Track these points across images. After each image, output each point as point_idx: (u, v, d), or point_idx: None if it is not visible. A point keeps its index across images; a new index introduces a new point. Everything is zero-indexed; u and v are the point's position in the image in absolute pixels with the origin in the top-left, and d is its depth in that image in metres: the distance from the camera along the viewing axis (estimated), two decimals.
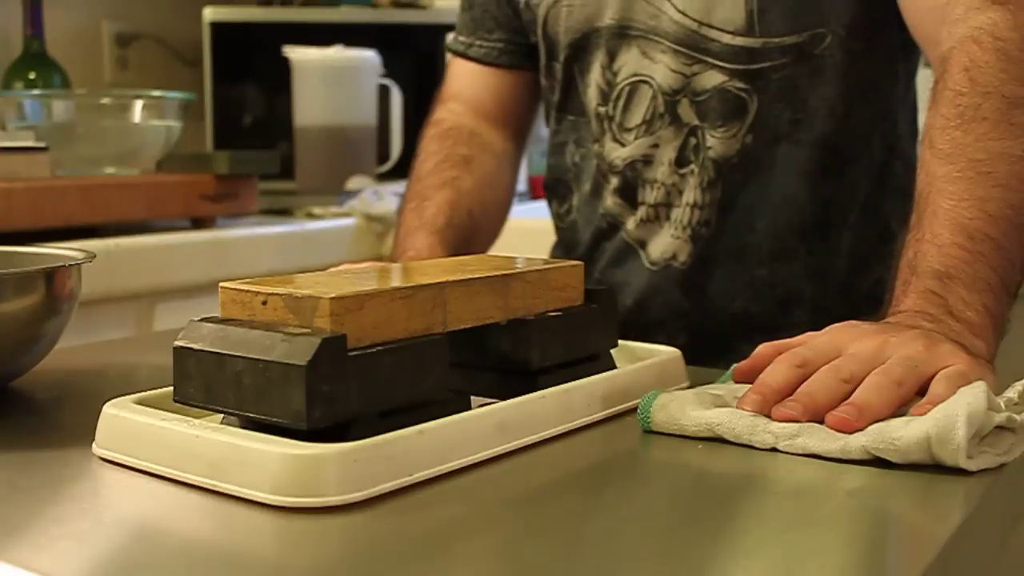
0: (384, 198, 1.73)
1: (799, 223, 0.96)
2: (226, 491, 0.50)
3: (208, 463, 0.51)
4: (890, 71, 0.98)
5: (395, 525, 0.48)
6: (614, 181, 1.01)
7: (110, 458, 0.55)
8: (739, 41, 0.93)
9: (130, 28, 2.12)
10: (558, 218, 1.11)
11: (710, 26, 0.94)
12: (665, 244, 0.98)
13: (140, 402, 0.57)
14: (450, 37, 1.17)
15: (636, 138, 0.99)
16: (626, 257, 1.02)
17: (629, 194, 1.00)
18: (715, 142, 0.95)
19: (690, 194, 0.96)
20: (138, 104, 1.58)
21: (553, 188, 1.10)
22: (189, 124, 1.70)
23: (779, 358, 0.62)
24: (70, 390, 0.74)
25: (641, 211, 1.00)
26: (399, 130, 1.93)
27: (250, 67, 2.04)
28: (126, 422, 0.55)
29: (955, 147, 0.75)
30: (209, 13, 1.97)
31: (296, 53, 1.89)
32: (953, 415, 0.53)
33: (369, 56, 1.90)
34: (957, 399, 0.55)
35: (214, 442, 0.51)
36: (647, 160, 0.98)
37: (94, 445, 0.56)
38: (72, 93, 1.79)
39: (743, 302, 0.98)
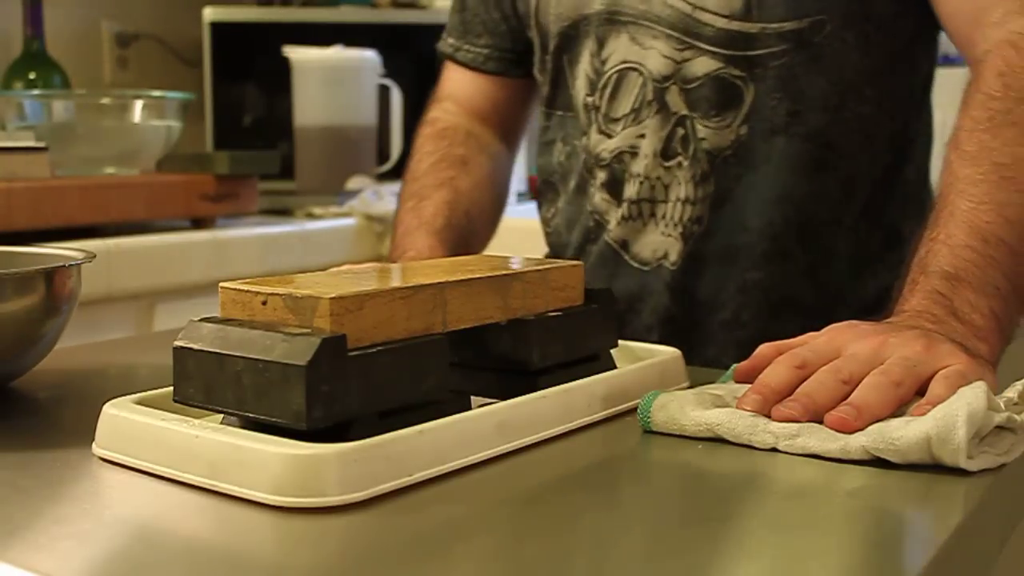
0: (384, 198, 1.73)
1: (795, 221, 0.92)
2: (226, 491, 0.50)
3: (208, 463, 0.51)
4: (893, 69, 0.94)
5: (395, 525, 0.48)
6: (601, 176, 0.97)
7: (110, 458, 0.55)
8: (735, 26, 0.89)
9: (130, 28, 2.12)
10: (545, 223, 1.08)
11: (704, 9, 0.89)
12: (656, 243, 0.95)
13: (140, 402, 0.57)
14: (441, 38, 1.15)
15: (623, 128, 0.95)
16: (608, 260, 0.98)
17: (616, 189, 0.96)
18: (708, 133, 0.91)
19: (681, 189, 0.92)
20: (138, 104, 1.58)
21: (542, 192, 1.08)
22: (189, 124, 1.70)
23: (779, 359, 0.62)
24: (70, 390, 0.73)
25: (623, 208, 0.96)
26: (399, 130, 1.93)
27: (250, 67, 2.04)
28: (126, 422, 0.55)
29: (981, 150, 0.73)
30: (209, 13, 1.97)
31: (296, 53, 1.89)
32: (953, 415, 0.53)
33: (369, 56, 1.90)
34: (957, 399, 0.55)
35: (214, 442, 0.51)
36: (633, 152, 0.94)
37: (94, 445, 0.56)
38: (72, 93, 1.79)
39: (734, 308, 0.94)
